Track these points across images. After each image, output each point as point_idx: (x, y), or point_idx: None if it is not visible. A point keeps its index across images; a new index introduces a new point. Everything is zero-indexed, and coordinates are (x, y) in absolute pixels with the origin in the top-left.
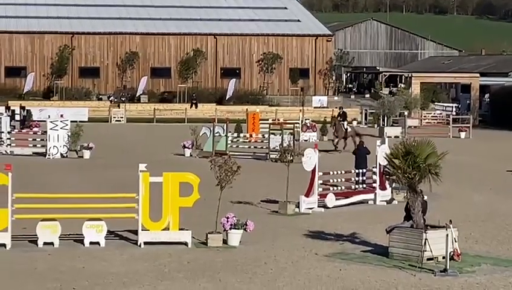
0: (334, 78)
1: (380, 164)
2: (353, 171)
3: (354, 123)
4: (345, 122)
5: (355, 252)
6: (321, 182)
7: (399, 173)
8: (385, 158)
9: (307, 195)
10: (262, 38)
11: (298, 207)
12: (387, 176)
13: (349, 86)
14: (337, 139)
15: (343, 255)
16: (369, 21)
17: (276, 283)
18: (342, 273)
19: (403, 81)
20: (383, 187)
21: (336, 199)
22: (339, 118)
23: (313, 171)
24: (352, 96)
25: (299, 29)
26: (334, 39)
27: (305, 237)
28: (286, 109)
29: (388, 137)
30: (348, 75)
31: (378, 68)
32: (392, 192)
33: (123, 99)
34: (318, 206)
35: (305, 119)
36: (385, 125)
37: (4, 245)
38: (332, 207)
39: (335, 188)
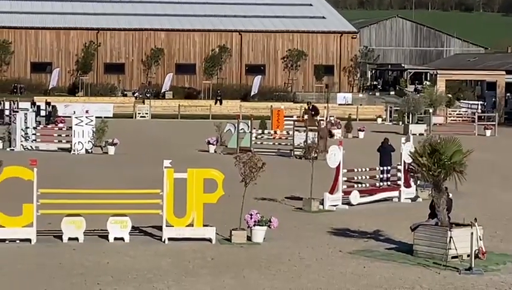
0: (358, 75)
1: (404, 162)
2: (378, 168)
3: (379, 120)
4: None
5: (380, 249)
6: (345, 179)
7: (424, 170)
8: (410, 156)
9: (331, 192)
10: (287, 35)
11: (322, 204)
12: (412, 174)
13: (374, 83)
14: (322, 140)
15: (368, 253)
16: (395, 18)
17: (300, 280)
18: (366, 270)
19: (428, 78)
20: (407, 185)
21: (360, 196)
22: (312, 113)
23: (338, 168)
24: (377, 94)
25: (324, 26)
26: (359, 36)
27: (329, 234)
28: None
29: (413, 134)
30: (373, 72)
31: (403, 65)
32: (416, 190)
33: (148, 95)
34: (342, 204)
35: (330, 116)
36: (410, 122)
37: (29, 240)
38: (357, 204)
39: (359, 185)
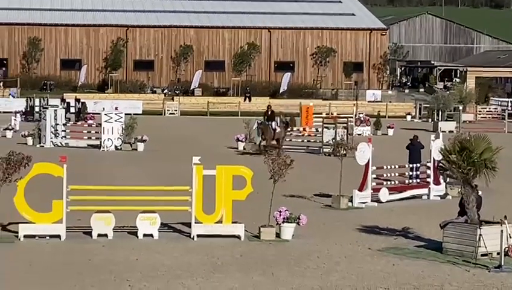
0: (388, 72)
1: (434, 159)
2: (407, 165)
3: (408, 118)
4: (273, 123)
5: (409, 247)
6: (374, 176)
7: (454, 167)
8: (440, 153)
9: (360, 189)
10: (317, 31)
11: (351, 201)
12: (441, 171)
13: (404, 80)
14: (265, 142)
15: (397, 250)
16: (424, 15)
17: (329, 277)
18: (395, 268)
19: (458, 75)
20: (437, 182)
21: (390, 194)
22: (264, 120)
23: (367, 165)
24: (407, 91)
25: (353, 23)
26: (389, 33)
27: (358, 232)
28: (340, 102)
29: (442, 132)
30: (402, 69)
31: (432, 62)
32: (446, 187)
33: (177, 92)
34: (371, 201)
35: (359, 113)
36: (439, 120)
37: (59, 236)
38: (386, 202)
39: (388, 182)
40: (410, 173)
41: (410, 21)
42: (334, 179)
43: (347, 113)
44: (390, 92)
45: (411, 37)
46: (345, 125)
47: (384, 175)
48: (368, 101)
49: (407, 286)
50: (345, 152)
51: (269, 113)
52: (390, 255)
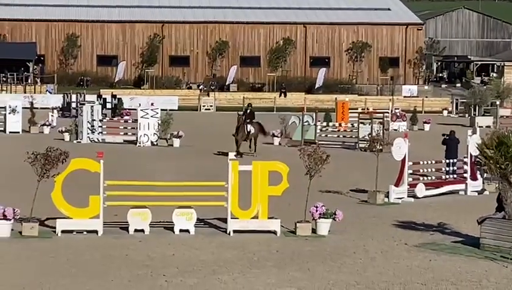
0: (424, 67)
1: (471, 154)
2: (443, 161)
3: (445, 113)
4: (249, 125)
5: (446, 242)
6: (411, 171)
7: (491, 163)
8: (477, 148)
9: (397, 185)
10: (352, 27)
11: (387, 197)
12: (478, 166)
13: (440, 75)
14: (238, 142)
15: (434, 246)
16: (461, 9)
17: (366, 273)
18: (432, 263)
19: (495, 70)
20: (474, 177)
21: (426, 189)
22: (242, 116)
23: (403, 160)
24: (443, 86)
25: (389, 17)
26: (425, 28)
27: (394, 227)
28: (375, 98)
29: (479, 127)
30: (439, 64)
31: (469, 57)
32: (483, 182)
33: (212, 88)
34: (408, 196)
35: (395, 109)
36: (476, 115)
37: (96, 232)
38: (422, 197)
39: (425, 178)
40: (447, 169)
41: (446, 15)
42: (370, 175)
43: (383, 109)
44: (426, 87)
45: (447, 32)
46: (381, 120)
47: (421, 170)
48: (404, 97)
49: (444, 282)
50: (381, 147)
51: (248, 112)
52: (427, 250)
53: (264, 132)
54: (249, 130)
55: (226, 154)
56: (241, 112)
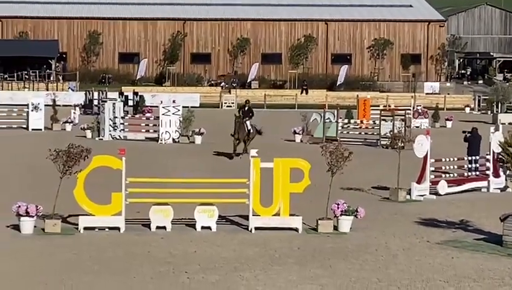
0: (446, 64)
1: (493, 151)
2: (466, 158)
3: (467, 110)
4: (248, 121)
5: (468, 240)
6: (433, 169)
7: None
8: (499, 145)
9: (419, 182)
10: (374, 23)
11: (409, 194)
12: (501, 164)
13: (462, 72)
14: (238, 141)
15: (456, 243)
16: (483, 6)
17: (387, 270)
18: (454, 261)
19: None
20: (496, 174)
21: (448, 186)
22: (240, 114)
23: (425, 157)
24: (465, 82)
25: (411, 14)
26: (447, 24)
27: (416, 224)
28: (397, 95)
29: (502, 124)
30: (461, 60)
31: (492, 54)
32: (506, 179)
33: (234, 85)
34: (430, 193)
35: (417, 106)
36: (499, 112)
37: (118, 228)
38: (444, 194)
39: (447, 175)
40: (469, 166)
41: (468, 12)
42: (392, 172)
43: (405, 106)
44: (448, 84)
45: (469, 29)
46: (403, 117)
47: (443, 168)
48: (426, 93)
49: (467, 280)
50: (402, 144)
51: (245, 108)
52: (449, 248)
53: (259, 131)
54: (249, 128)
55: (224, 154)
56: (238, 111)
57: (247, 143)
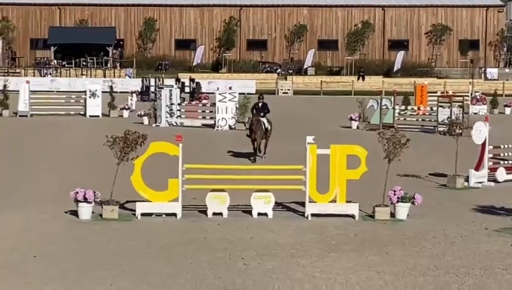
0: (505, 49)
1: None
2: None
3: None
4: (264, 119)
5: None
6: (491, 155)
7: None
8: None
9: (477, 169)
10: (431, 9)
11: (467, 181)
12: None
13: None
14: (256, 142)
15: None
16: None
17: (445, 257)
18: None
19: None
20: None
21: (507, 173)
22: (254, 111)
23: (483, 144)
24: None
25: (469, 0)
26: (506, 10)
27: (474, 212)
28: (455, 81)
29: None
30: None
31: None
32: None
33: (290, 71)
34: (488, 181)
35: (475, 92)
36: None
37: (175, 215)
38: (503, 181)
39: (506, 162)
40: None
41: None
42: (450, 159)
43: (463, 92)
44: (507, 70)
45: None
46: (461, 104)
47: (502, 154)
48: (485, 79)
49: None
50: (460, 131)
51: (259, 105)
52: (507, 235)
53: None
54: (266, 126)
55: (238, 155)
56: (252, 109)
57: (267, 141)
